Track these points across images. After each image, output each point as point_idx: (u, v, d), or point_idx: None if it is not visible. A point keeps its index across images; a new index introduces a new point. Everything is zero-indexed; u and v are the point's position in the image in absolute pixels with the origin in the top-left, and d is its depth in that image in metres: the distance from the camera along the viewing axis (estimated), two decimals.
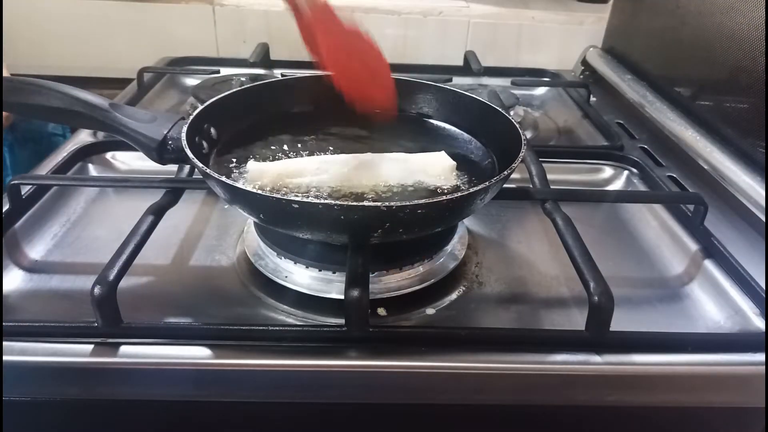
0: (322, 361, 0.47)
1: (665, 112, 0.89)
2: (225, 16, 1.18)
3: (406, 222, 0.48)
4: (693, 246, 0.63)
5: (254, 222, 0.62)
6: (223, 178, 0.48)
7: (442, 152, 0.60)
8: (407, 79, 0.72)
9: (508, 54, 1.23)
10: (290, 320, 0.53)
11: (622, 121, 0.96)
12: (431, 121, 0.71)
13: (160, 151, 0.56)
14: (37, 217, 0.65)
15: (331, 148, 0.62)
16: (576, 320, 0.53)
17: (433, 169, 0.57)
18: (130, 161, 0.77)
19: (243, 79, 1.00)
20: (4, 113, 0.85)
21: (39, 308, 0.54)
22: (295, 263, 0.56)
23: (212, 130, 0.61)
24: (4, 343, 0.46)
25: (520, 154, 0.54)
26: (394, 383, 0.48)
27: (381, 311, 0.54)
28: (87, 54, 1.19)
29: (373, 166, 0.57)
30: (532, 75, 1.15)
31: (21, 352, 0.46)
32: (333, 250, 0.55)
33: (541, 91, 1.12)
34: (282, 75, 1.04)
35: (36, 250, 0.61)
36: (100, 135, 0.80)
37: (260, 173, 0.55)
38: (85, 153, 0.76)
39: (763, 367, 0.48)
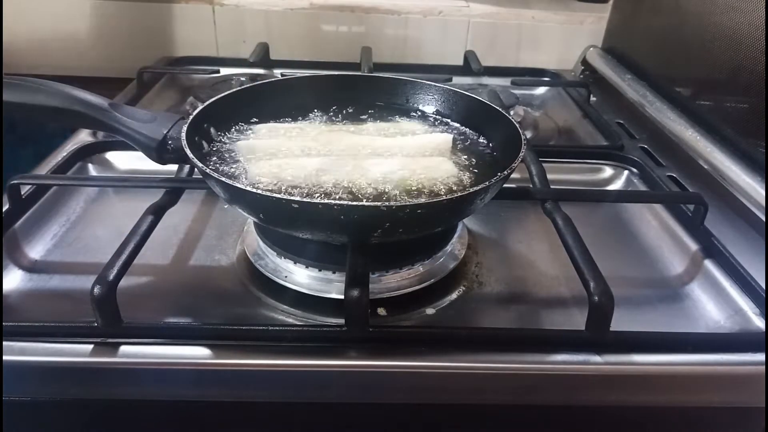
0: (322, 361, 0.47)
1: (665, 112, 0.89)
2: (225, 16, 1.18)
3: (406, 222, 0.47)
4: (693, 246, 0.63)
5: (254, 222, 0.62)
6: (223, 178, 0.48)
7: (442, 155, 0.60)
8: (407, 79, 0.72)
9: (508, 54, 1.23)
10: (290, 320, 0.53)
11: (622, 121, 0.96)
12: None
13: (160, 151, 0.56)
14: (37, 217, 0.65)
15: (331, 148, 0.62)
16: (576, 320, 0.53)
17: (433, 170, 0.57)
18: (130, 161, 0.77)
19: (243, 78, 1.00)
20: None
21: (39, 308, 0.54)
22: (295, 263, 0.56)
23: (212, 129, 0.61)
24: (4, 343, 0.46)
25: (520, 154, 0.54)
26: (394, 383, 0.48)
27: (381, 311, 0.54)
28: (87, 54, 1.19)
29: (374, 166, 0.57)
30: (532, 75, 1.15)
31: (21, 352, 0.46)
32: (333, 250, 0.55)
33: (541, 90, 1.12)
34: (282, 75, 1.04)
35: (36, 250, 0.61)
36: (100, 135, 0.80)
37: (260, 173, 0.55)
38: (85, 153, 0.76)
39: (763, 367, 0.48)
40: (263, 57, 1.10)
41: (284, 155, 0.59)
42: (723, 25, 0.79)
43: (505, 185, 0.54)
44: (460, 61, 1.17)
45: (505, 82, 1.08)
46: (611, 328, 0.48)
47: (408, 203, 0.46)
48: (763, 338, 0.50)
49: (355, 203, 0.50)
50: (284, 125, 0.66)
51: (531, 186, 0.67)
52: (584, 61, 1.20)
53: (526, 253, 0.65)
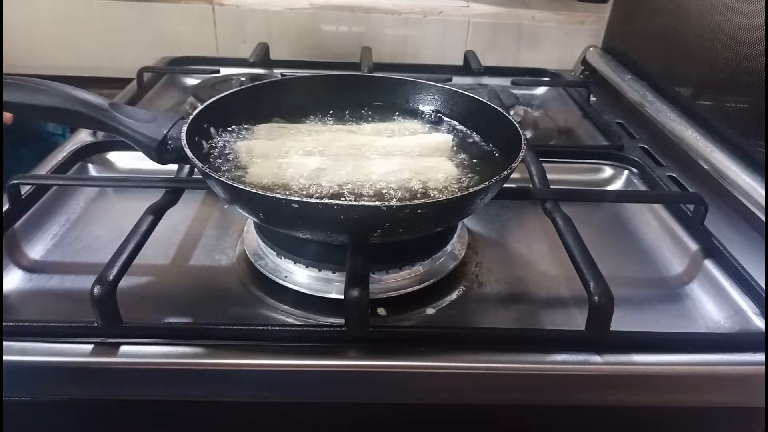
0: (322, 361, 0.47)
1: (665, 112, 0.89)
2: (225, 16, 1.18)
3: (406, 222, 0.47)
4: (693, 246, 0.63)
5: (254, 222, 0.62)
6: (223, 178, 0.48)
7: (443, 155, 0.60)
8: (407, 79, 0.72)
9: (508, 54, 1.23)
10: (290, 320, 0.53)
11: (622, 121, 0.96)
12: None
13: (160, 151, 0.56)
14: (37, 217, 0.65)
15: (331, 148, 0.62)
16: (576, 320, 0.53)
17: (433, 170, 0.57)
18: (130, 161, 0.77)
19: (243, 78, 1.00)
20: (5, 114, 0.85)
21: (39, 308, 0.54)
22: (294, 263, 0.56)
23: (212, 129, 0.61)
24: (4, 343, 0.46)
25: (520, 154, 0.54)
26: (394, 383, 0.48)
27: (381, 311, 0.54)
28: (87, 54, 1.19)
29: (374, 166, 0.57)
30: (532, 75, 1.15)
31: (21, 352, 0.46)
32: (333, 250, 0.55)
33: (541, 90, 1.12)
34: (282, 75, 1.04)
35: (36, 250, 0.61)
36: (100, 135, 0.80)
37: (260, 173, 0.55)
38: (85, 153, 0.76)
39: (763, 367, 0.48)
40: (263, 57, 1.10)
41: (284, 155, 0.59)
42: (723, 25, 0.79)
43: (505, 185, 0.54)
44: (460, 61, 1.17)
45: (505, 82, 1.08)
46: (611, 328, 0.48)
47: (408, 203, 0.46)
48: (763, 338, 0.50)
49: (355, 203, 0.50)
50: (284, 125, 0.66)
51: (531, 186, 0.67)
52: (584, 61, 1.20)
53: (526, 253, 0.65)
